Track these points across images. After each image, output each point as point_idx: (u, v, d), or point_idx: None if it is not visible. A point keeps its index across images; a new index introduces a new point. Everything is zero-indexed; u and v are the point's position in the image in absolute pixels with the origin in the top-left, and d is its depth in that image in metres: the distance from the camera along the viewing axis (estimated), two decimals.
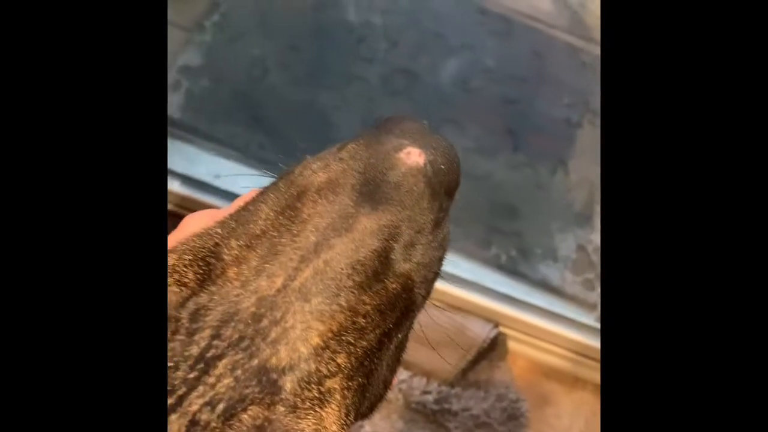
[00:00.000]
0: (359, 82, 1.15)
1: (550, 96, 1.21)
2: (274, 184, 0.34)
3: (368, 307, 0.30)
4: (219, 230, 0.32)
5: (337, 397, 0.29)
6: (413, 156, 0.32)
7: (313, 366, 0.28)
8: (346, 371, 0.30)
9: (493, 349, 1.02)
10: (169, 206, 0.94)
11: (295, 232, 0.30)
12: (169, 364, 0.27)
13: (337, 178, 0.32)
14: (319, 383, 0.29)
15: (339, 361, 0.29)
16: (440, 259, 0.36)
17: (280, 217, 0.31)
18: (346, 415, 0.30)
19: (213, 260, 0.31)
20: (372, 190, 0.31)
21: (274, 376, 0.28)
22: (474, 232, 1.07)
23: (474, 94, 1.19)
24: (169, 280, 0.30)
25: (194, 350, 0.27)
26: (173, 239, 0.33)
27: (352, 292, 0.30)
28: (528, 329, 1.00)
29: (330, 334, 0.29)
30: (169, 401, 0.26)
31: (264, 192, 0.34)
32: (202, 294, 0.29)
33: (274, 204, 0.32)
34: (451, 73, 1.19)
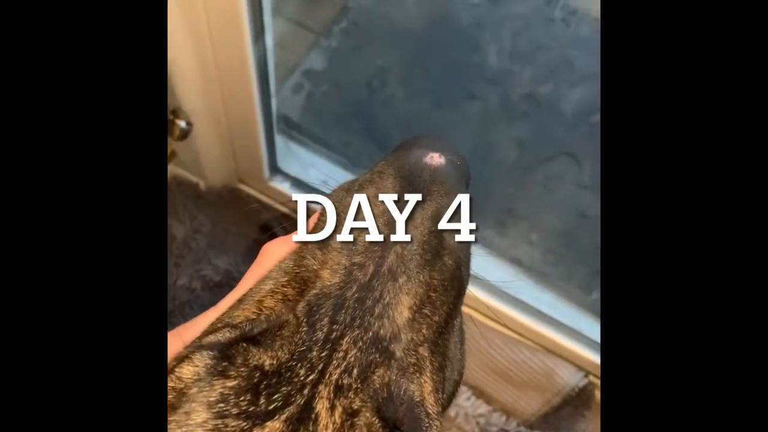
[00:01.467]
0: (478, 103, 1.13)
1: None
2: (334, 195, 0.40)
3: (436, 282, 0.36)
4: (303, 247, 0.38)
5: (428, 365, 0.35)
6: (436, 158, 0.40)
7: (409, 335, 0.34)
8: (429, 341, 0.35)
9: (580, 397, 0.98)
10: (281, 206, 0.97)
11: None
12: (302, 348, 0.32)
13: (384, 186, 0.38)
14: (415, 350, 0.34)
15: (423, 330, 0.35)
16: (469, 245, 0.42)
17: (352, 221, 0.37)
18: (436, 391, 0.35)
19: (306, 273, 0.36)
20: (415, 189, 0.38)
21: (386, 344, 0.33)
22: (577, 274, 1.03)
23: (594, 129, 1.14)
24: (274, 299, 0.36)
25: (320, 335, 0.33)
26: (257, 271, 0.39)
27: (426, 268, 0.36)
28: None
29: (415, 307, 0.35)
30: (312, 376, 0.32)
31: (334, 198, 0.40)
32: (307, 297, 0.35)
33: (342, 211, 0.38)
34: (575, 105, 1.15)
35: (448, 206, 0.39)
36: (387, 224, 0.37)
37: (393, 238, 0.36)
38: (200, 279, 0.95)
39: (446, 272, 0.37)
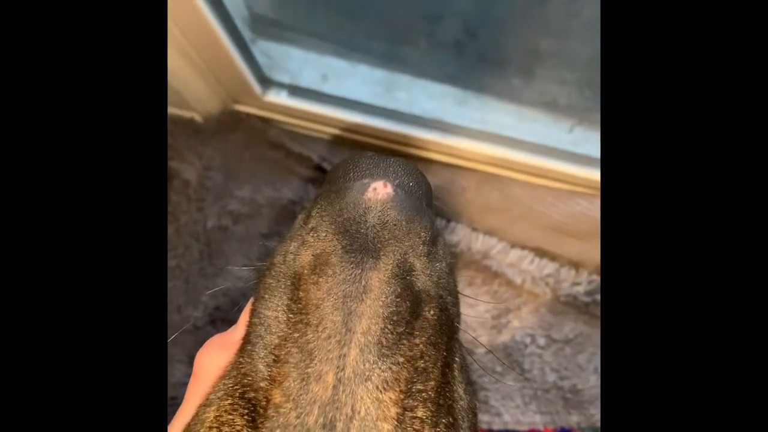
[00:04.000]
0: None
1: None
2: (262, 287, 0.32)
3: (421, 347, 0.29)
4: (241, 360, 0.30)
5: None
6: (380, 189, 0.31)
7: None
8: (429, 420, 0.29)
9: None
10: (277, 116, 0.89)
11: (315, 322, 0.29)
12: None
13: (322, 249, 0.30)
14: None
15: (419, 414, 0.29)
16: (453, 268, 0.35)
17: (291, 316, 0.29)
18: None
19: (252, 393, 0.28)
20: (363, 243, 0.30)
21: None
22: None
23: None
24: None
25: None
26: (198, 388, 0.32)
27: (402, 343, 0.29)
28: None
29: (402, 396, 0.28)
30: None
31: (259, 300, 0.31)
32: None
33: (276, 306, 0.30)
34: None
35: (412, 248, 0.30)
36: (336, 308, 0.28)
37: (349, 325, 0.28)
38: (229, 215, 0.91)
39: (430, 328, 0.30)
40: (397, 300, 0.29)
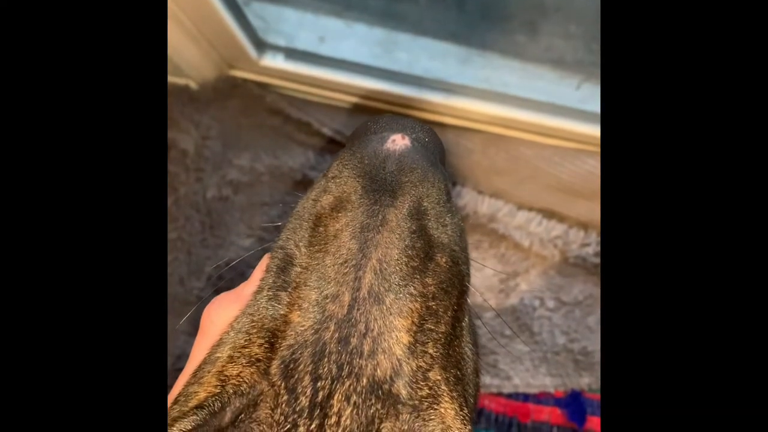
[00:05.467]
0: None
1: None
2: (284, 231, 0.33)
3: (433, 288, 0.30)
4: (257, 297, 0.31)
5: (444, 388, 0.30)
6: (398, 141, 0.33)
7: (413, 364, 0.29)
8: (439, 360, 0.30)
9: None
10: (275, 81, 0.86)
11: (333, 250, 0.30)
12: (288, 426, 0.27)
13: (342, 192, 0.31)
14: (425, 378, 0.29)
15: (430, 350, 0.30)
16: (464, 230, 0.36)
17: (312, 248, 0.30)
18: (461, 409, 0.30)
19: (271, 324, 0.29)
20: (381, 185, 0.31)
21: (386, 386, 0.28)
22: None
23: None
24: (237, 365, 0.29)
25: (304, 402, 0.27)
26: (206, 344, 0.32)
27: (416, 277, 0.30)
28: None
29: (414, 327, 0.29)
30: None
31: (280, 242, 0.33)
32: (280, 352, 0.28)
33: (297, 241, 0.31)
34: None
35: (427, 195, 0.32)
36: (354, 237, 0.30)
37: (365, 252, 0.29)
38: (228, 185, 0.89)
39: (442, 273, 0.31)
40: (412, 236, 0.31)
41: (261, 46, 0.81)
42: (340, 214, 0.31)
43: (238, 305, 0.33)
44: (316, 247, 0.30)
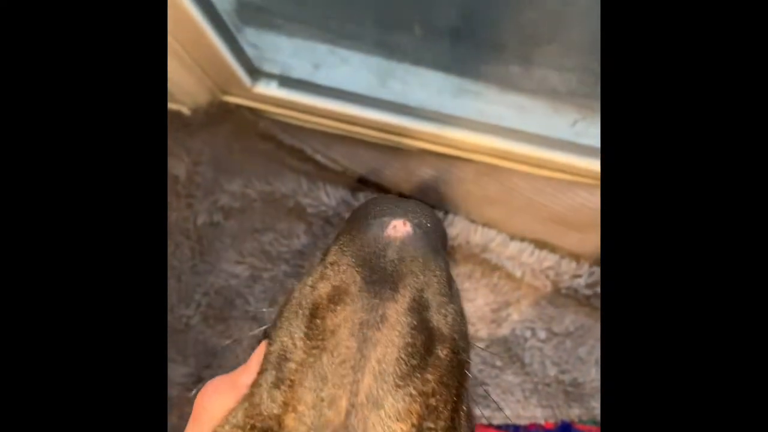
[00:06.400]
0: None
1: None
2: (280, 319, 0.32)
3: (433, 384, 0.30)
4: (253, 390, 0.30)
5: None
6: (400, 227, 0.32)
7: None
8: None
9: None
10: (268, 108, 0.85)
11: (331, 347, 0.29)
12: None
13: (341, 281, 0.31)
14: None
15: None
16: (464, 314, 0.35)
17: (308, 342, 0.29)
18: None
19: (264, 424, 0.28)
20: (381, 276, 0.30)
21: None
22: None
23: None
24: None
25: None
26: (197, 428, 0.31)
27: (416, 376, 0.29)
28: None
29: (414, 429, 0.28)
30: None
31: (277, 331, 0.32)
32: None
33: (293, 333, 0.30)
34: None
35: (429, 285, 0.31)
36: (353, 334, 0.29)
37: (364, 352, 0.28)
38: (220, 210, 0.88)
39: (442, 367, 0.30)
40: (413, 332, 0.30)
41: (255, 73, 0.80)
42: (338, 307, 0.30)
43: (233, 394, 0.32)
44: (313, 342, 0.29)
